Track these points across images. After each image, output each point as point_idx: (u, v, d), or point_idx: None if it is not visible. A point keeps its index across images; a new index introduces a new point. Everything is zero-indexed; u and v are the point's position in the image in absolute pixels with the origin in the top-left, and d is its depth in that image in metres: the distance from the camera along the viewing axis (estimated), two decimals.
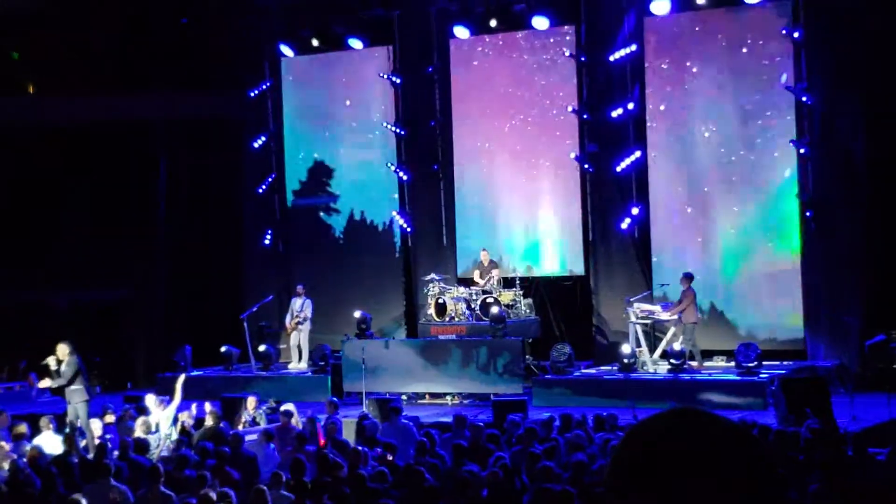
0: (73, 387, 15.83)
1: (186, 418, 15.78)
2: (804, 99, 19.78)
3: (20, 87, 27.99)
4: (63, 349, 16.00)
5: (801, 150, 19.89)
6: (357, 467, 11.38)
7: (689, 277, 19.39)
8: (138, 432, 14.49)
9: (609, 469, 1.93)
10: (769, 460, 1.89)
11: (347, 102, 24.30)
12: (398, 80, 23.53)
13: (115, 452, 13.42)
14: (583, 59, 21.86)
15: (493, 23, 22.44)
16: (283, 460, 13.58)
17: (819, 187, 19.90)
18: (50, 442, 14.62)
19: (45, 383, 16.51)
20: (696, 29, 21.01)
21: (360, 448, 12.51)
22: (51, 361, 15.94)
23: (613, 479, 1.90)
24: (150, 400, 16.46)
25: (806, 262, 20.03)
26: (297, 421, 15.25)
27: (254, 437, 14.81)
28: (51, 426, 15.25)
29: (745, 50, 20.55)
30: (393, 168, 23.61)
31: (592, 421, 14.10)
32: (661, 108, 21.24)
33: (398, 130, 23.59)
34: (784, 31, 20.00)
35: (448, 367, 19.40)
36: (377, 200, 24.04)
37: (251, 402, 16.93)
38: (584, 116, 21.88)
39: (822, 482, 9.49)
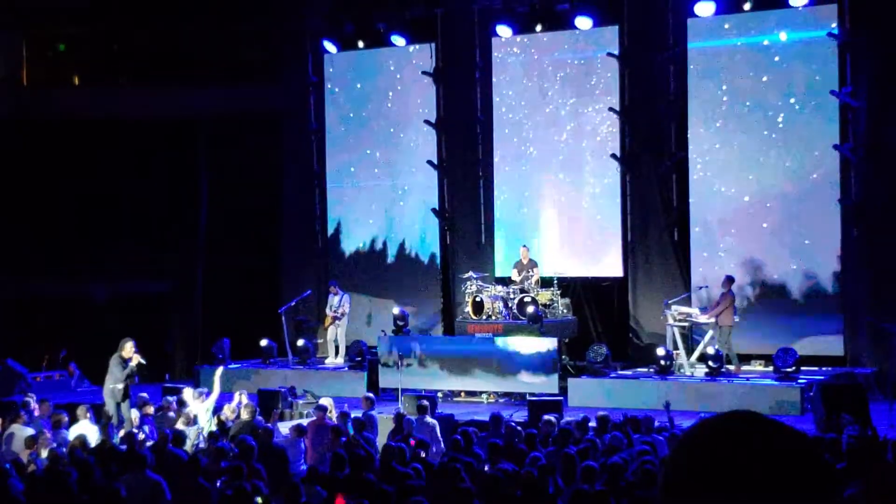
0: (119, 386, 16.00)
1: (228, 411, 15.85)
2: (849, 102, 19.62)
3: (65, 78, 28.22)
4: (130, 347, 16.14)
5: (845, 155, 19.74)
6: (390, 464, 11.40)
7: (730, 280, 19.31)
8: (178, 424, 14.60)
9: (665, 473, 1.90)
10: (829, 469, 1.87)
11: (389, 100, 24.33)
12: (440, 79, 23.55)
13: (151, 443, 13.53)
14: (625, 59, 21.79)
15: (538, 27, 22.46)
16: (318, 455, 13.65)
17: (861, 192, 19.75)
18: (86, 431, 14.74)
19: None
20: (739, 31, 20.89)
21: (399, 445, 12.54)
22: (134, 363, 16.04)
23: (671, 483, 1.88)
24: (188, 393, 16.56)
25: (846, 267, 19.88)
26: (332, 416, 15.29)
27: (286, 431, 14.87)
28: (87, 415, 15.37)
29: (788, 52, 20.42)
30: (433, 165, 23.64)
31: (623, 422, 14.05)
32: (703, 109, 21.14)
33: (439, 128, 23.61)
34: (829, 34, 19.86)
35: (484, 366, 19.41)
36: (416, 197, 24.05)
37: (238, 395, 16.73)
38: (625, 117, 21.82)
39: (861, 488, 9.42)
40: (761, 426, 1.89)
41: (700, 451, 1.88)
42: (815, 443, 1.97)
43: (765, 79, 20.62)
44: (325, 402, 15.72)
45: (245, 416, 15.08)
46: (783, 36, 20.44)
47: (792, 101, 20.40)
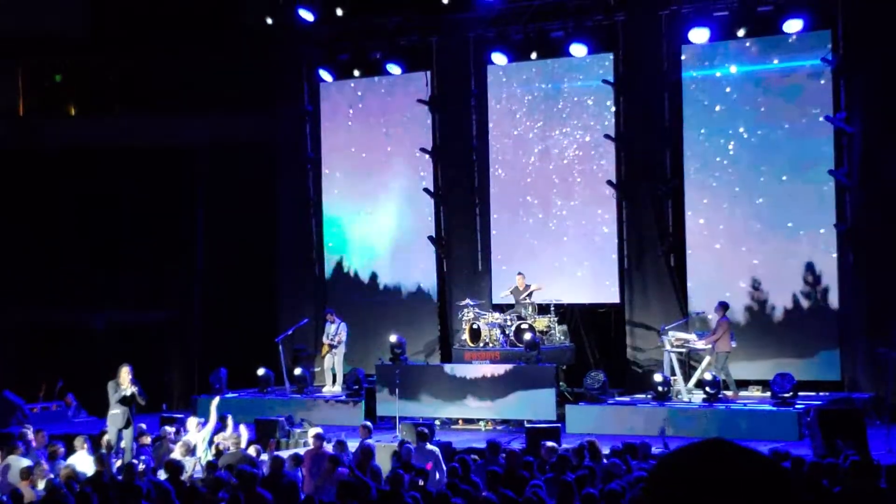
0: (116, 411, 16.00)
1: (223, 440, 15.80)
2: (843, 128, 19.68)
3: (62, 108, 28.30)
4: (125, 372, 16.17)
5: (840, 180, 19.80)
6: (397, 492, 11.36)
7: (724, 306, 19.32)
8: (176, 454, 14.54)
9: (640, 499, 1.96)
10: (798, 493, 1.92)
11: (385, 128, 24.38)
12: (436, 106, 23.61)
13: (148, 472, 13.48)
14: (620, 85, 21.86)
15: (533, 55, 22.51)
16: (315, 485, 13.60)
17: (857, 217, 19.79)
18: (83, 462, 14.70)
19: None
20: (733, 58, 20.97)
21: (400, 472, 12.49)
22: (127, 391, 16.04)
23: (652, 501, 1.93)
24: (192, 423, 16.54)
25: (842, 292, 19.89)
26: (327, 444, 15.24)
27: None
28: (85, 446, 15.35)
29: (784, 79, 20.51)
30: (429, 193, 23.68)
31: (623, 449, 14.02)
32: (699, 135, 21.19)
33: (435, 156, 23.66)
34: (822, 60, 19.94)
35: (481, 393, 19.39)
36: (413, 225, 24.07)
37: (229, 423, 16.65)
38: (621, 143, 21.87)
39: None
40: (731, 450, 1.95)
41: (676, 472, 1.93)
42: (784, 469, 2.07)
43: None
44: (319, 430, 15.64)
45: (231, 447, 15.00)
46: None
47: (786, 126, 20.47)
